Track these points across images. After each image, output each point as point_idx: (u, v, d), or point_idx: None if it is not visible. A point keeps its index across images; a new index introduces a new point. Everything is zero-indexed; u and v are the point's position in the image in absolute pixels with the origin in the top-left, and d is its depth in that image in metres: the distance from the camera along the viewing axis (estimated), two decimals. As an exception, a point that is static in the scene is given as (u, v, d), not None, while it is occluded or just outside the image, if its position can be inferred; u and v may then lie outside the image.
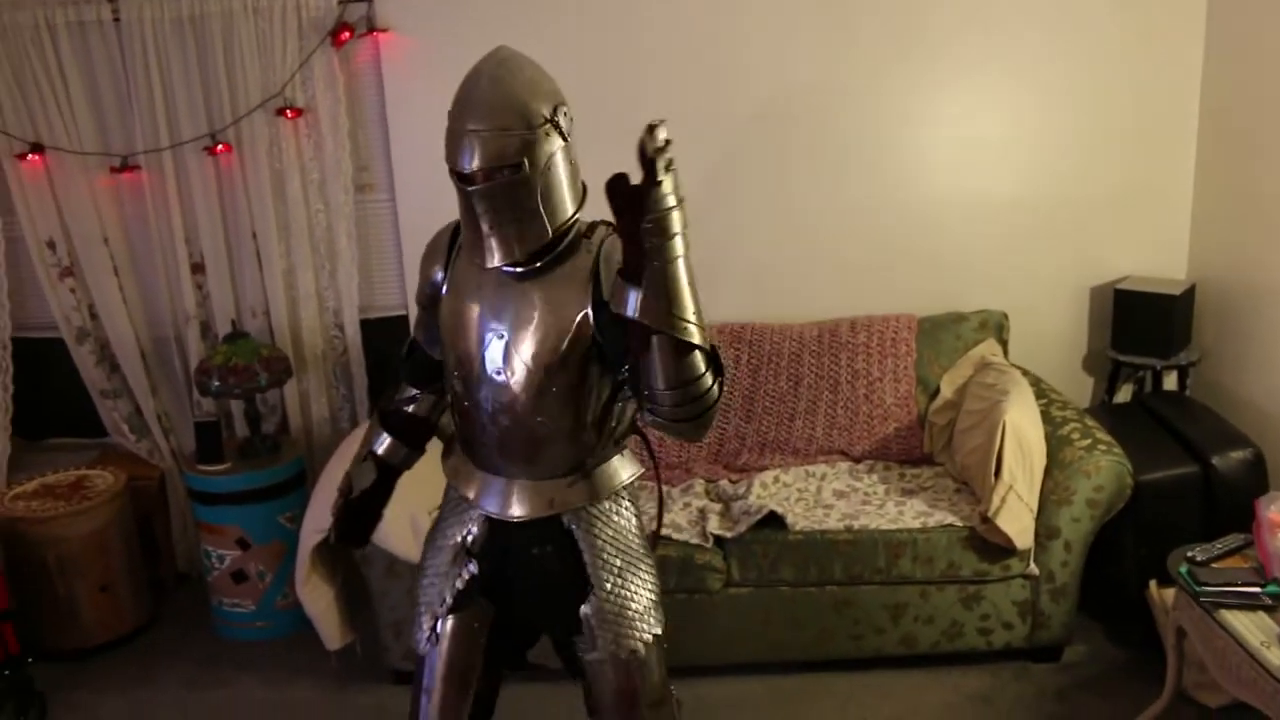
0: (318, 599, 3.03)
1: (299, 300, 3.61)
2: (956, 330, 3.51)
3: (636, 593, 1.98)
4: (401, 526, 2.91)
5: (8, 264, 3.59)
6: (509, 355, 1.87)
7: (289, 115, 3.42)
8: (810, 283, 3.65)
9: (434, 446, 3.40)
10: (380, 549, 2.90)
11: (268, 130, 3.46)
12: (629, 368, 1.78)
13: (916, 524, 2.96)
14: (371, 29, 3.43)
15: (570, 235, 1.85)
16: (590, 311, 1.81)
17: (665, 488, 3.24)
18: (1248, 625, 2.34)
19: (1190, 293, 3.52)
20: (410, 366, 2.18)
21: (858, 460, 3.39)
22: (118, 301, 3.60)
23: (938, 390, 3.43)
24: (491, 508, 1.98)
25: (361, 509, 2.19)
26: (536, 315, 1.85)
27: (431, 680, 2.05)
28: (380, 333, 3.74)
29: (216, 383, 3.31)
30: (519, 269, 1.84)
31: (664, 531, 2.79)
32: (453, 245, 1.98)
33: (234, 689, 3.19)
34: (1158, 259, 3.64)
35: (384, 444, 2.18)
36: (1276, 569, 2.44)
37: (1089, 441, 2.97)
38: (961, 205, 3.61)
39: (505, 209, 1.76)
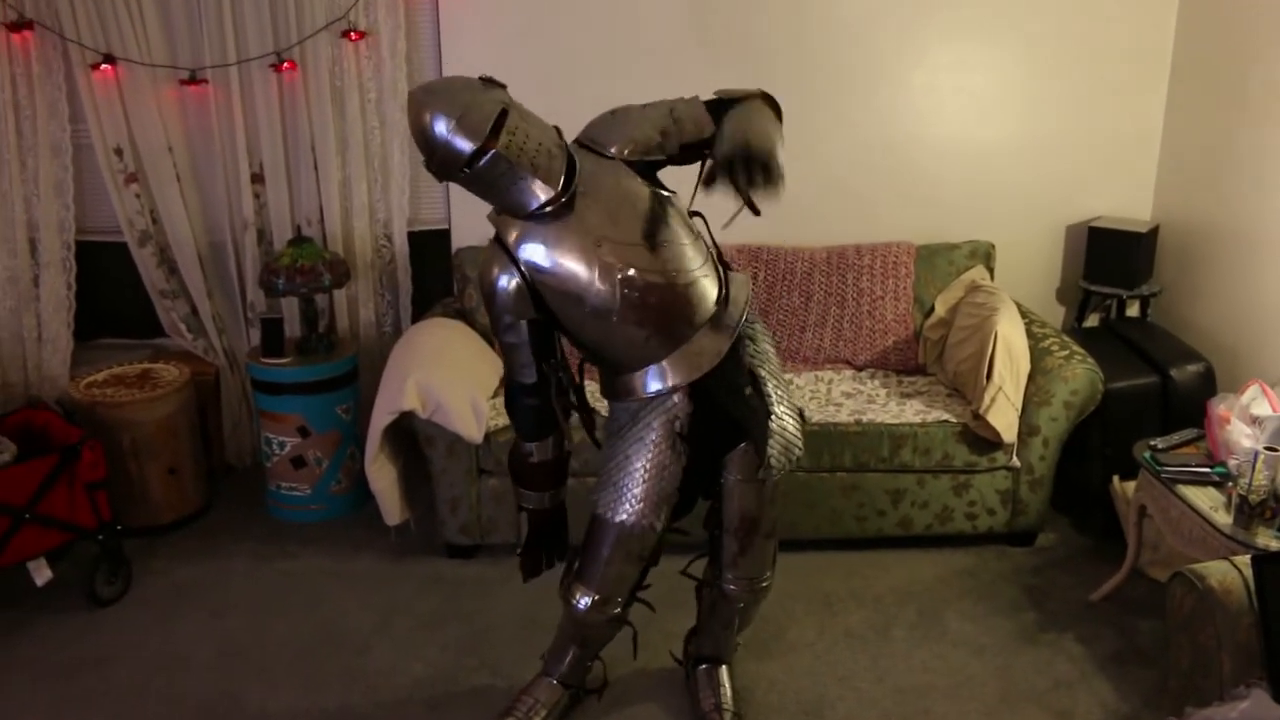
0: (383, 476, 3.31)
1: (352, 211, 3.84)
2: (950, 257, 3.87)
3: (787, 416, 2.37)
4: (463, 408, 3.23)
5: (74, 170, 3.78)
6: (622, 254, 2.18)
7: (352, 38, 3.64)
8: (822, 211, 3.94)
9: (489, 359, 3.63)
10: (443, 429, 3.23)
11: (331, 51, 3.67)
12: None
13: (916, 419, 3.34)
14: (431, -43, 3.67)
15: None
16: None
17: None
18: (1199, 496, 2.78)
19: (1154, 232, 3.90)
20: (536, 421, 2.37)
21: (860, 368, 3.77)
22: (179, 208, 3.80)
23: (932, 309, 3.80)
24: (691, 371, 2.26)
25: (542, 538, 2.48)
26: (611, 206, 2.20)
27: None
28: (425, 245, 4.01)
29: (282, 281, 3.54)
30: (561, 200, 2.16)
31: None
32: (512, 261, 2.20)
33: (299, 561, 3.46)
34: (1127, 201, 4.03)
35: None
36: (1223, 454, 2.88)
37: (1066, 353, 3.37)
38: (957, 148, 3.95)
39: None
